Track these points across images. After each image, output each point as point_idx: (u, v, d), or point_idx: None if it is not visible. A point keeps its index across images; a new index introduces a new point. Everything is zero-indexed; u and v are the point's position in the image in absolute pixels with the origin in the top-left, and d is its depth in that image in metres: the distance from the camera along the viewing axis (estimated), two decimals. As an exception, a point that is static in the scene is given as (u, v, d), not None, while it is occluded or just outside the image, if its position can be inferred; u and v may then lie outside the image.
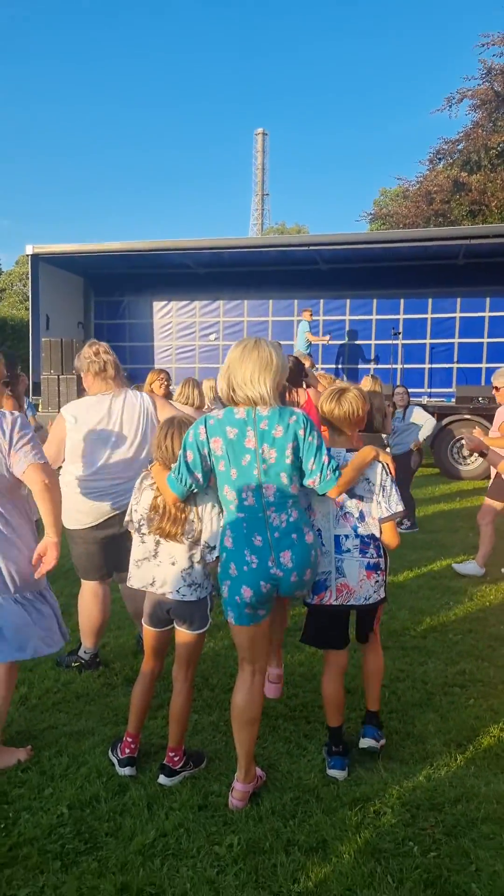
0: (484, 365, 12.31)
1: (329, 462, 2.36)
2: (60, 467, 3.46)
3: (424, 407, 7.90)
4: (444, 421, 10.41)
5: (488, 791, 2.49)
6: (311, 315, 12.08)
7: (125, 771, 2.59)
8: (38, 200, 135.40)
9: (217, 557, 2.47)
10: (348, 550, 2.57)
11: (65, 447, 3.44)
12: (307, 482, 2.38)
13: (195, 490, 2.40)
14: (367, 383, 6.89)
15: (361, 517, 2.58)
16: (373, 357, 12.78)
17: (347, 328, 13.04)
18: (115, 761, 2.65)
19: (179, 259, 12.80)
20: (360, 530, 2.57)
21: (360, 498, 2.58)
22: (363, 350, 12.83)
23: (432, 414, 7.55)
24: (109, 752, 2.71)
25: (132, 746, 2.64)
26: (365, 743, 2.72)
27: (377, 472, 2.58)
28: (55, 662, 3.62)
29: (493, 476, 5.36)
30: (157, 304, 14.27)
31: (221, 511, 2.47)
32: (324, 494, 2.42)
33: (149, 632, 2.65)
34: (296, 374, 4.50)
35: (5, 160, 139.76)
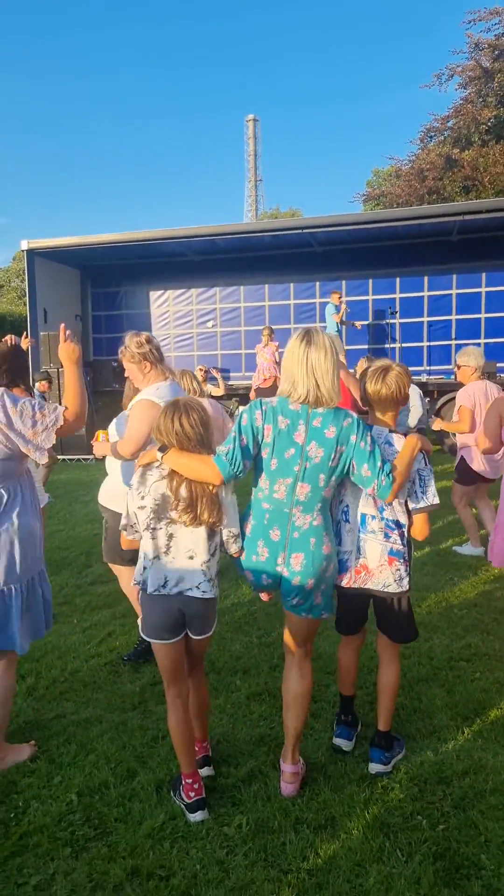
0: (482, 340, 12.23)
1: (384, 467, 2.28)
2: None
3: (424, 386, 7.85)
4: (445, 398, 10.36)
5: (496, 763, 2.49)
6: (339, 297, 11.82)
7: (197, 816, 2.28)
8: (33, 197, 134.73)
9: (242, 548, 2.37)
10: (372, 531, 2.48)
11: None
12: (367, 490, 2.32)
13: (241, 475, 2.27)
14: (362, 365, 6.83)
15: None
16: (370, 337, 12.71)
17: (344, 309, 12.96)
18: (184, 807, 2.32)
19: (175, 248, 12.73)
20: (387, 513, 2.46)
21: None
22: (361, 331, 12.74)
23: (432, 392, 7.49)
24: (172, 794, 2.41)
25: (196, 787, 2.32)
26: (374, 769, 2.52)
27: (418, 459, 2.46)
28: (126, 659, 3.51)
29: (457, 458, 5.28)
30: (153, 294, 14.21)
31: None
32: (381, 500, 2.36)
33: (161, 648, 2.32)
34: None
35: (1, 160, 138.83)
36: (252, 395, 8.10)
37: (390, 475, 2.29)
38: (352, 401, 4.29)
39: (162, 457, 2.28)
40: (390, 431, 2.48)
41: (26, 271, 12.54)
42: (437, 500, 2.48)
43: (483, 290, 12.25)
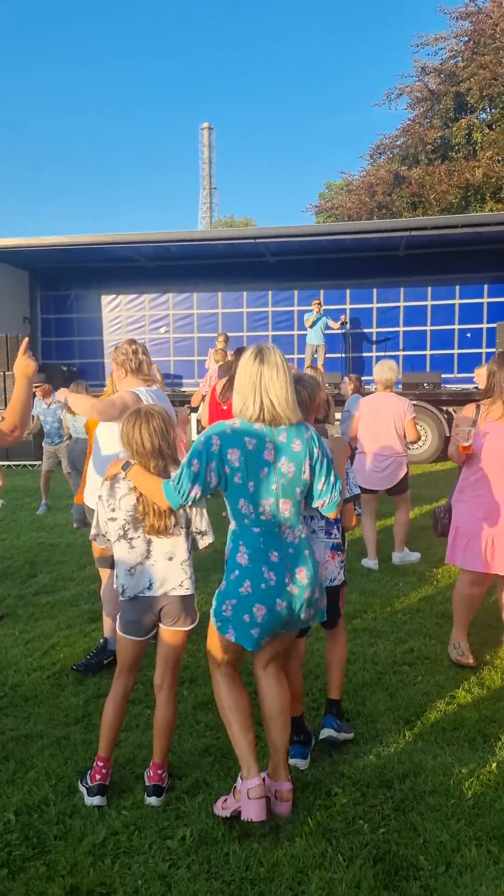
0: (428, 352, 12.60)
1: (336, 483, 2.32)
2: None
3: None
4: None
5: (435, 764, 2.55)
6: (318, 305, 11.79)
7: (94, 801, 2.36)
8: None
9: (210, 544, 2.47)
10: (314, 531, 2.61)
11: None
12: (316, 503, 2.34)
13: (190, 504, 2.24)
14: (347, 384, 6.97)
15: None
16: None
17: (297, 318, 13.11)
18: (84, 790, 2.41)
19: (127, 253, 12.63)
20: None
21: None
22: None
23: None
24: (79, 783, 2.48)
25: (104, 772, 2.41)
26: (325, 733, 2.65)
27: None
28: (76, 668, 3.46)
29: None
30: (105, 298, 14.05)
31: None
32: (326, 514, 2.42)
33: (129, 643, 2.45)
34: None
35: None
36: (195, 399, 8.09)
37: (339, 493, 2.35)
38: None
39: (126, 473, 2.37)
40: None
41: (-28, 272, 12.22)
42: (357, 490, 2.75)
43: (429, 303, 12.63)
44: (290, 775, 2.37)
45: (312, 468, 2.27)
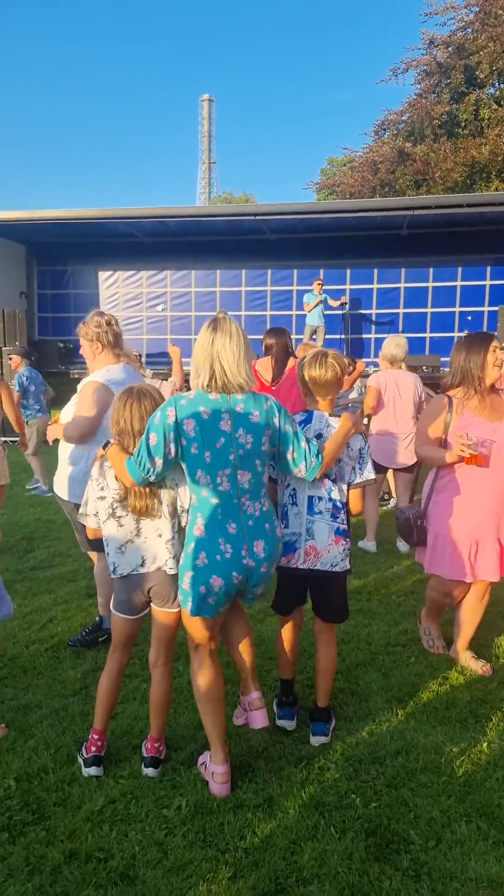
0: (428, 335, 12.56)
1: (309, 448, 2.33)
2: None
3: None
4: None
5: (426, 742, 2.60)
6: (319, 285, 11.72)
7: (91, 771, 2.43)
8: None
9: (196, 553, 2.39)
10: (319, 513, 2.55)
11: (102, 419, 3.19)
12: (294, 471, 2.35)
13: (152, 478, 2.24)
14: (302, 352, 6.90)
15: (335, 481, 2.56)
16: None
17: (296, 298, 13.03)
18: (81, 762, 2.48)
19: (125, 228, 12.49)
20: (334, 494, 2.55)
21: (338, 462, 2.55)
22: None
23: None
24: (77, 753, 2.54)
25: (99, 744, 2.47)
26: (316, 741, 2.62)
27: (357, 438, 2.59)
28: (71, 643, 3.52)
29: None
30: (102, 274, 13.94)
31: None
32: (310, 480, 2.41)
33: (122, 621, 2.48)
34: (288, 348, 4.78)
35: None
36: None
37: (319, 455, 2.36)
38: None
39: (105, 450, 2.38)
40: (330, 416, 2.58)
41: (-31, 245, 12.08)
42: (372, 476, 2.61)
43: (430, 284, 12.56)
44: (258, 686, 2.46)
45: (273, 439, 2.28)
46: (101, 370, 3.25)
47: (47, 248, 13.70)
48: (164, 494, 2.37)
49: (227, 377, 2.20)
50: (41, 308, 14.22)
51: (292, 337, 12.70)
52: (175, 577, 2.37)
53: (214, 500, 2.23)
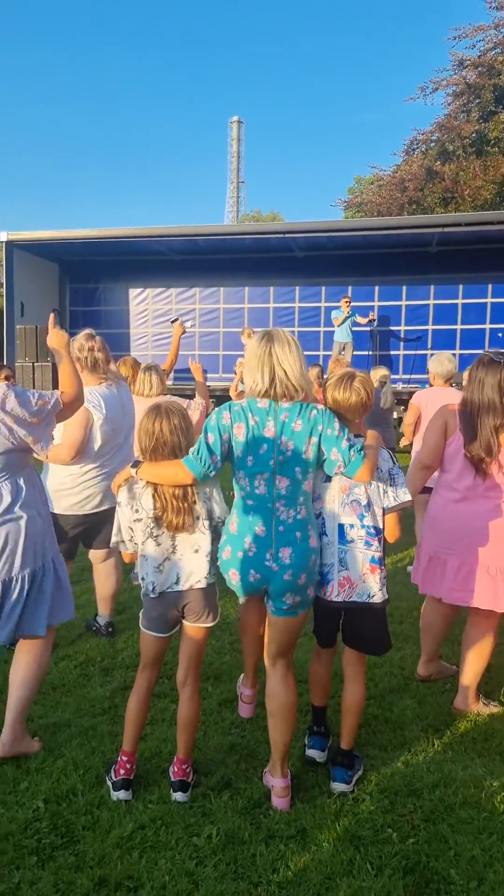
0: (458, 351, 12.42)
1: (350, 445, 2.31)
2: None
3: (399, 394, 7.97)
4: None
5: (465, 775, 2.51)
6: (347, 302, 11.68)
7: (120, 795, 2.38)
8: (12, 190, 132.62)
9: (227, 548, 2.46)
10: (352, 541, 2.44)
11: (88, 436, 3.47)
12: (334, 469, 2.34)
13: (212, 473, 2.34)
14: (333, 366, 6.82)
15: (368, 506, 2.46)
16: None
17: (324, 314, 13.02)
18: (110, 784, 2.44)
19: (155, 246, 12.65)
20: (367, 520, 2.45)
21: (369, 484, 2.45)
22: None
23: (406, 400, 7.56)
24: (106, 775, 2.51)
25: (127, 767, 2.43)
26: (336, 787, 2.45)
27: (386, 458, 2.50)
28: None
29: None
30: (132, 291, 14.10)
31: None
32: (352, 477, 2.34)
33: (152, 639, 2.46)
34: None
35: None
36: (231, 391, 8.10)
37: (361, 452, 2.32)
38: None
39: (136, 472, 2.39)
40: (356, 436, 2.47)
41: (4, 264, 12.37)
42: (408, 497, 2.50)
43: (460, 301, 12.45)
44: (287, 772, 2.41)
45: (318, 445, 2.29)
46: (92, 389, 3.49)
47: (80, 266, 13.94)
48: (200, 509, 2.40)
49: (291, 382, 2.27)
50: (73, 324, 14.41)
51: (320, 353, 12.72)
52: (208, 591, 2.43)
53: (250, 502, 2.32)
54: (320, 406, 2.36)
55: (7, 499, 2.53)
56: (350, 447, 2.31)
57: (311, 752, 2.63)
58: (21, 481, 2.59)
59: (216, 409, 2.38)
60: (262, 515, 2.31)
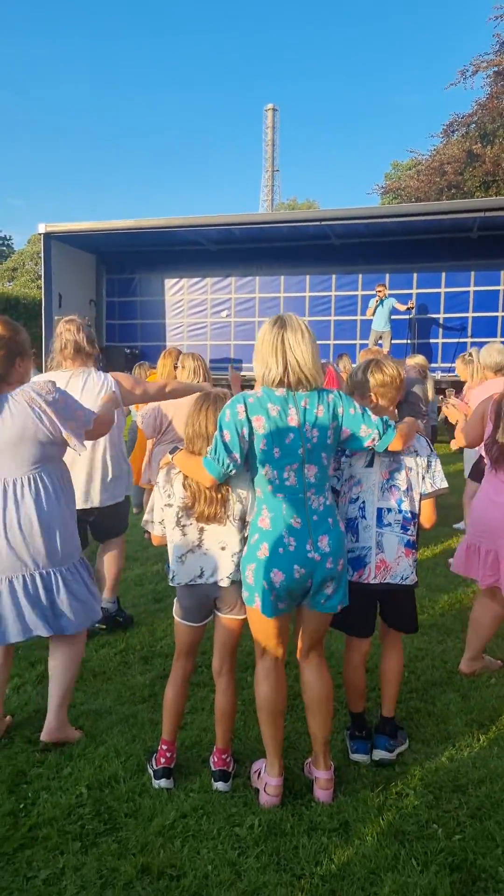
0: (498, 339, 12.09)
1: (381, 420, 2.31)
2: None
3: (438, 383, 7.79)
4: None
5: (513, 772, 2.44)
6: (383, 290, 11.48)
7: (161, 783, 2.39)
8: (50, 181, 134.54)
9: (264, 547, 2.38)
10: (389, 525, 2.50)
11: None
12: (366, 444, 2.32)
13: (233, 472, 2.25)
14: (364, 356, 6.69)
15: (407, 491, 2.51)
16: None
17: (360, 303, 12.84)
18: (151, 772, 2.45)
19: (191, 236, 12.63)
20: (405, 505, 2.50)
21: (409, 469, 2.52)
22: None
23: (444, 390, 7.39)
24: (147, 763, 2.52)
25: (168, 755, 2.43)
26: (377, 755, 2.52)
27: (424, 445, 2.55)
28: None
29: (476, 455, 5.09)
30: (168, 282, 14.12)
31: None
32: (387, 447, 2.33)
33: (185, 629, 2.45)
34: None
35: (16, 141, 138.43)
36: None
37: (391, 425, 2.31)
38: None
39: (172, 457, 2.37)
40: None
41: (42, 255, 12.48)
42: (445, 484, 2.53)
43: (502, 287, 12.11)
44: (330, 763, 2.39)
45: (338, 430, 2.26)
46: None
47: (116, 256, 14.01)
48: (232, 503, 2.34)
49: (303, 371, 2.19)
50: (109, 315, 14.54)
51: (356, 342, 12.53)
52: (239, 584, 2.33)
53: (280, 495, 2.24)
54: (334, 388, 2.33)
55: (41, 492, 2.53)
56: (381, 420, 2.30)
57: (355, 757, 2.58)
58: (56, 476, 2.59)
59: (228, 402, 2.28)
60: (294, 507, 2.23)
